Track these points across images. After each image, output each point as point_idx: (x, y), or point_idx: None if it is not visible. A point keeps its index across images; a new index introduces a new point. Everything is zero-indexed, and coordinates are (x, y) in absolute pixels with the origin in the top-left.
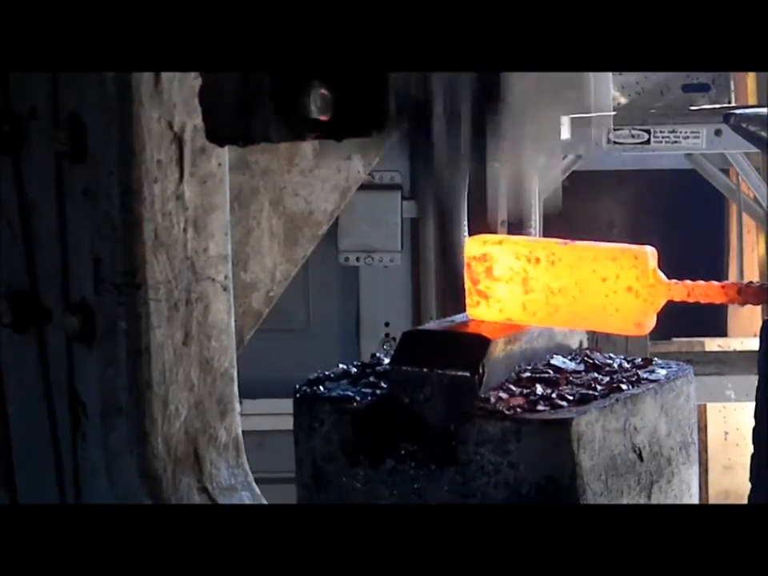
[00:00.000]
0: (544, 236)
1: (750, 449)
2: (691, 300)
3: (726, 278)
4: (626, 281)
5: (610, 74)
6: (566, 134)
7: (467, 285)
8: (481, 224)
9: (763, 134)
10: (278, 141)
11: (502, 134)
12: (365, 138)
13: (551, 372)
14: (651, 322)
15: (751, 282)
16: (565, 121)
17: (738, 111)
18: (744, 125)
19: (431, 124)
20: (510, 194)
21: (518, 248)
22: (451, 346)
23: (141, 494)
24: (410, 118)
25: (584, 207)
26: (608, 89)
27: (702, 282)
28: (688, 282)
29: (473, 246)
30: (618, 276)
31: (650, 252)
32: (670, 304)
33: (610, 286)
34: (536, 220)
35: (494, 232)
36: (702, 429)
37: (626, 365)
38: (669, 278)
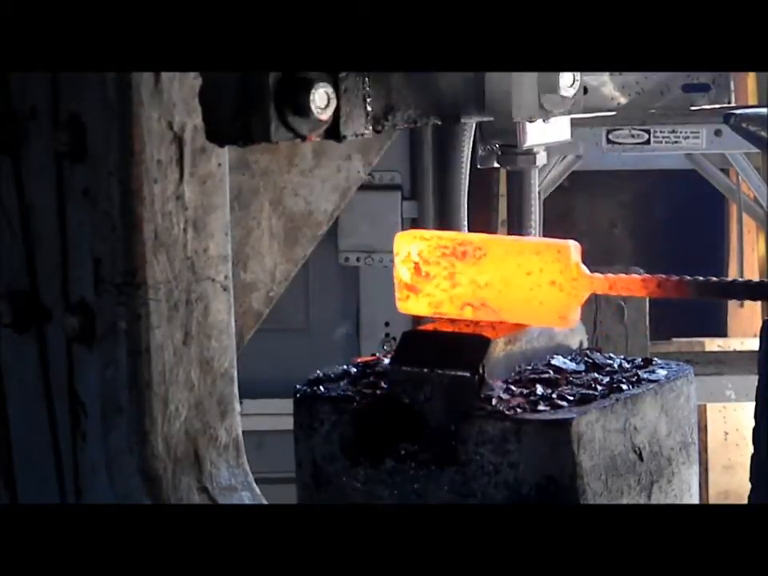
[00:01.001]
0: (544, 236)
1: (750, 449)
2: (614, 293)
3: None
4: (549, 274)
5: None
6: (566, 134)
7: (396, 279)
8: (481, 224)
9: (763, 133)
10: (277, 141)
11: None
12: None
13: (551, 372)
14: (575, 315)
15: (671, 276)
16: (565, 121)
17: (738, 111)
18: (744, 125)
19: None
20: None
21: (444, 243)
22: (451, 346)
23: (141, 493)
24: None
25: (584, 207)
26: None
27: (623, 275)
28: (610, 275)
29: (401, 242)
30: (541, 270)
31: (572, 246)
32: (670, 304)
33: (535, 280)
34: (536, 220)
35: (494, 232)
36: (702, 429)
37: (626, 365)
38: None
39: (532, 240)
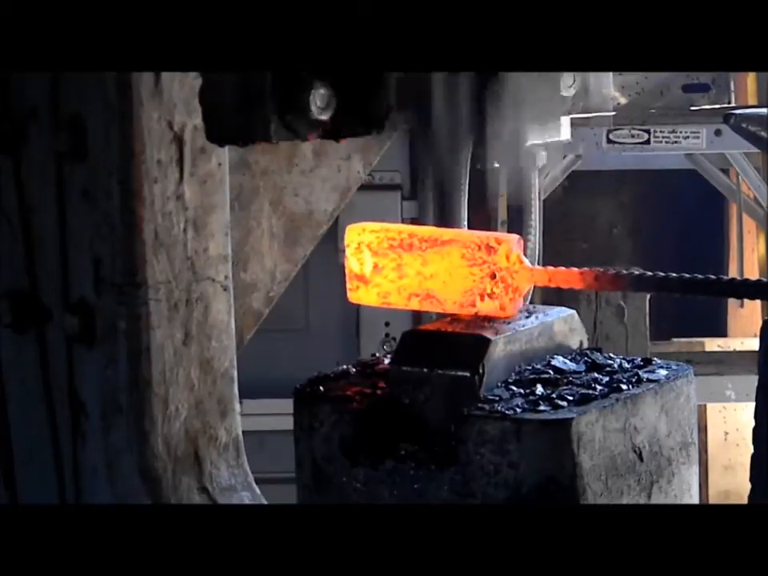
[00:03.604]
0: (544, 236)
1: (750, 449)
2: (553, 285)
3: None
4: (491, 266)
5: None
6: (566, 134)
7: (346, 271)
8: (480, 223)
9: (763, 134)
10: (277, 141)
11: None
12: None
13: (551, 372)
14: (516, 306)
15: (608, 269)
16: (565, 121)
17: (738, 111)
18: (744, 125)
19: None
20: (510, 193)
21: (392, 235)
22: (451, 346)
23: (141, 493)
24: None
25: (584, 207)
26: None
27: (562, 267)
28: (550, 267)
29: (350, 234)
30: (484, 262)
31: (514, 239)
32: (670, 304)
33: (477, 272)
34: (536, 220)
35: (495, 230)
36: (702, 429)
37: (626, 365)
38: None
39: (475, 233)
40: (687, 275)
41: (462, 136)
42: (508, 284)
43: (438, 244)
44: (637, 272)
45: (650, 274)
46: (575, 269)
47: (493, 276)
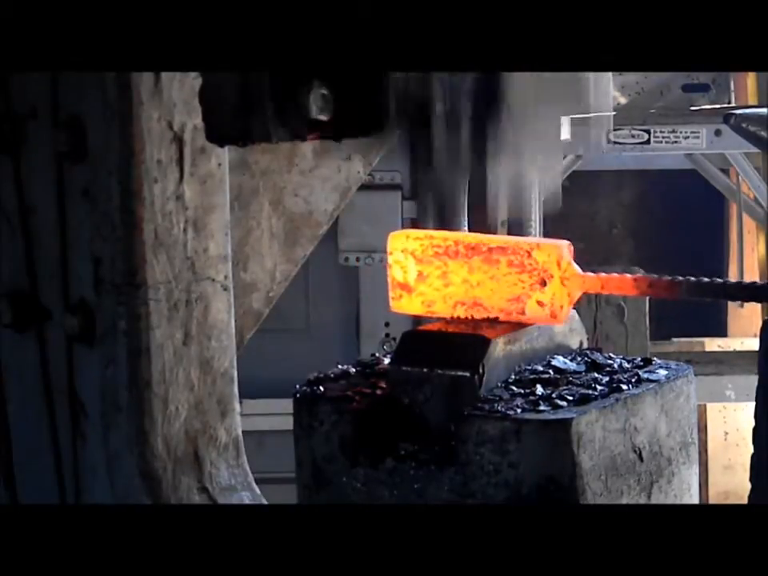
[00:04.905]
0: (544, 236)
1: (750, 449)
2: (605, 292)
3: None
4: (541, 273)
5: (609, 74)
6: (566, 134)
7: (389, 279)
8: (480, 224)
9: (763, 133)
10: (277, 141)
11: (502, 133)
12: (364, 137)
13: (551, 372)
14: (566, 313)
15: (663, 276)
16: (565, 121)
17: (738, 111)
18: (744, 125)
19: (431, 123)
20: (510, 194)
21: (437, 242)
22: (451, 346)
23: (141, 493)
24: (411, 118)
25: (584, 207)
26: (608, 88)
27: (615, 274)
28: (602, 274)
29: (394, 241)
30: (533, 269)
31: (565, 246)
32: (670, 304)
33: (526, 279)
34: (536, 220)
35: (494, 232)
36: (702, 429)
37: (626, 365)
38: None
39: (524, 239)
40: (747, 281)
41: (463, 155)
42: (559, 291)
43: (486, 251)
44: (693, 278)
45: (706, 279)
46: (628, 275)
47: (543, 283)
